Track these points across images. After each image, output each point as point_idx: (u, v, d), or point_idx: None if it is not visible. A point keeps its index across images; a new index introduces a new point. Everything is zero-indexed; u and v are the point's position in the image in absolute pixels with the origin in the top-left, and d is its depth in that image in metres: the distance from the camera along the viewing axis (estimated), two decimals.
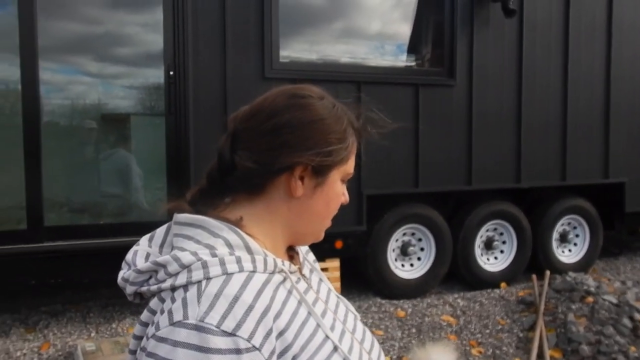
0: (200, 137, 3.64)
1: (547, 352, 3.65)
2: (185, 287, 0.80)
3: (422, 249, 4.54)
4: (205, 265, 0.81)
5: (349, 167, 0.94)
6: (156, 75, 3.71)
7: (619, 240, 5.98)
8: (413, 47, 4.65)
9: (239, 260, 0.83)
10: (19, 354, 3.22)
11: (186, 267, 0.81)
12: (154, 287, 0.83)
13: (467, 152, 4.49)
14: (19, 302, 3.95)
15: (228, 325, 0.75)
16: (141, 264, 0.87)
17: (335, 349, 0.88)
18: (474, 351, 3.73)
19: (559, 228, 5.04)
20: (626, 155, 5.07)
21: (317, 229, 0.96)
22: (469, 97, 4.46)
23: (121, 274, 0.90)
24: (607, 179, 5.02)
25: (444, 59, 4.42)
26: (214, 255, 0.82)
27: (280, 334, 0.81)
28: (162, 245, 0.92)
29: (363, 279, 4.47)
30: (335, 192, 0.93)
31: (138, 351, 0.83)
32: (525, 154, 4.66)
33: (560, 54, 4.76)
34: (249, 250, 0.86)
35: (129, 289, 0.87)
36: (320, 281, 1.03)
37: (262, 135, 0.89)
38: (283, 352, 0.81)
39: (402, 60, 4.64)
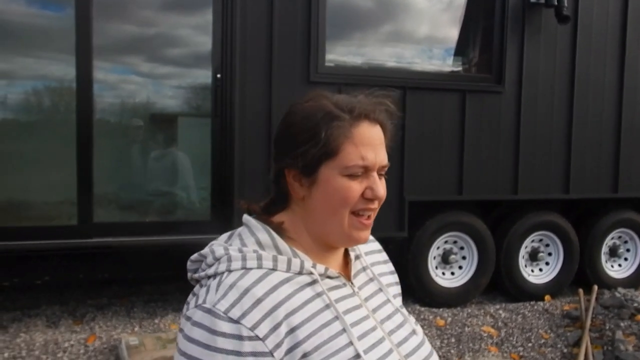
0: (245, 140, 3.69)
1: None
2: (214, 276, 0.92)
3: (464, 258, 4.47)
4: (229, 259, 0.92)
5: (344, 159, 0.93)
6: (204, 76, 3.77)
7: None
8: (461, 52, 4.58)
9: (259, 258, 0.92)
10: (66, 344, 3.33)
11: (217, 260, 0.93)
12: (196, 275, 0.97)
13: (514, 160, 4.38)
14: (67, 295, 4.10)
15: (234, 313, 0.84)
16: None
17: (358, 356, 0.90)
18: None
19: (608, 241, 4.87)
20: None
21: (333, 227, 0.96)
22: (517, 105, 4.36)
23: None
24: None
25: (492, 65, 4.33)
26: (240, 251, 0.93)
27: (292, 330, 0.87)
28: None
29: (403, 285, 4.41)
30: (335, 187, 0.93)
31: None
32: (575, 164, 4.52)
33: (616, 62, 4.59)
34: (277, 250, 0.94)
35: (188, 275, 1.00)
36: (379, 291, 1.06)
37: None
38: (292, 348, 0.86)
39: (450, 65, 4.57)
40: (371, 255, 1.13)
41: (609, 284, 4.70)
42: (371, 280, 1.06)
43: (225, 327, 0.83)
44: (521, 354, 3.77)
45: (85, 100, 3.46)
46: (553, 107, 4.46)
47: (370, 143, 0.94)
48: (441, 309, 4.25)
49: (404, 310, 1.08)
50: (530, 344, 3.87)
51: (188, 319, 0.88)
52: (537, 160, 4.44)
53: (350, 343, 0.90)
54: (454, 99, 4.21)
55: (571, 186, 4.53)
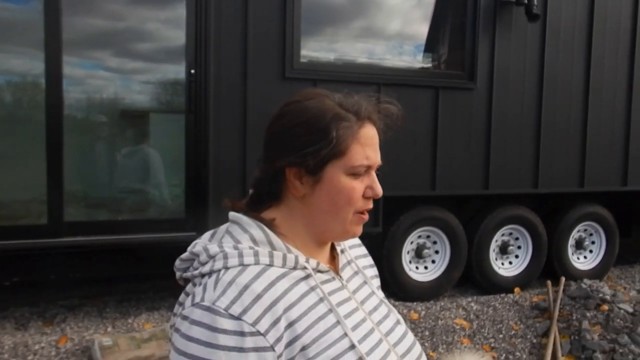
0: (220, 136, 3.65)
1: (561, 359, 3.63)
2: (209, 274, 0.91)
3: (437, 252, 4.54)
4: (226, 257, 0.92)
5: (350, 159, 0.96)
6: (178, 72, 3.72)
7: (635, 248, 5.93)
8: (434, 50, 4.63)
9: (256, 254, 0.92)
10: (37, 347, 3.25)
11: (212, 258, 0.93)
12: (189, 273, 0.96)
13: (485, 156, 4.46)
14: (37, 296, 4.00)
15: (235, 310, 0.84)
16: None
17: (352, 347, 0.93)
18: (487, 356, 3.72)
19: (575, 234, 5.01)
20: None
21: (335, 224, 0.99)
22: (489, 101, 4.44)
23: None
24: (625, 186, 4.97)
25: (464, 62, 4.39)
26: (235, 248, 0.93)
27: (291, 324, 0.88)
28: (221, 239, 1.01)
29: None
30: (340, 186, 0.96)
31: (170, 328, 0.96)
32: (543, 160, 4.63)
33: (583, 60, 4.72)
34: (272, 246, 0.95)
35: (177, 274, 1.00)
36: (364, 283, 1.09)
37: (263, 146, 1.01)
38: (292, 342, 0.88)
39: (423, 62, 4.62)
40: (353, 249, 1.17)
41: (576, 275, 4.85)
42: (356, 273, 1.09)
43: (226, 324, 0.84)
44: (492, 345, 3.86)
45: (55, 96, 3.37)
46: (523, 104, 4.56)
47: (372, 143, 0.99)
48: (415, 303, 4.31)
49: (386, 301, 1.12)
50: (501, 335, 3.97)
51: (185, 318, 0.87)
52: (507, 156, 4.53)
53: (345, 334, 0.93)
54: (427, 95, 4.25)
55: (540, 181, 4.64)
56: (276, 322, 0.87)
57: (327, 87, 1.04)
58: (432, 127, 4.27)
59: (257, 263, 0.92)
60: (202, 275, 0.93)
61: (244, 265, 0.91)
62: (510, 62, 4.48)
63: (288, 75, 3.80)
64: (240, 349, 0.83)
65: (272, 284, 0.90)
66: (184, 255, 0.99)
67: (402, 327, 1.08)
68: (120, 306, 3.91)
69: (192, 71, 3.64)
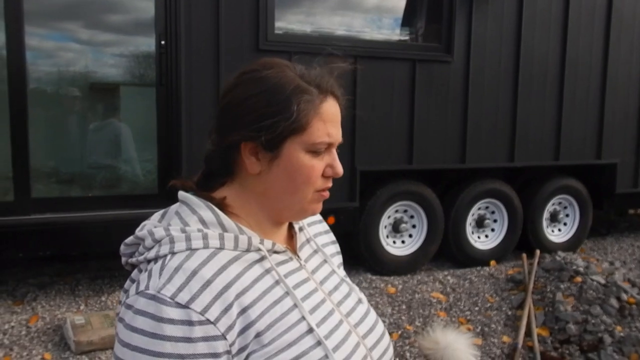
0: (192, 109, 3.56)
1: (535, 330, 3.69)
2: (155, 260, 0.86)
3: (413, 226, 4.54)
4: (172, 241, 0.86)
5: (311, 135, 0.90)
6: (147, 44, 3.60)
7: (607, 221, 6.03)
8: (410, 22, 4.56)
9: (205, 237, 0.86)
10: (7, 326, 3.18)
11: (158, 242, 0.87)
12: (134, 259, 0.90)
13: (461, 130, 4.45)
14: (6, 274, 3.90)
15: (182, 298, 0.79)
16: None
17: (310, 330, 0.88)
18: (462, 328, 3.76)
19: (549, 207, 5.07)
20: (619, 137, 5.08)
21: (293, 203, 0.93)
22: (465, 74, 4.41)
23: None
24: (599, 160, 5.03)
25: (441, 35, 4.34)
26: (183, 231, 0.87)
27: (243, 310, 0.83)
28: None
29: (354, 255, 4.47)
30: (299, 164, 0.90)
31: (116, 316, 0.89)
32: (519, 133, 4.64)
33: (559, 32, 4.71)
34: (222, 227, 0.89)
35: (122, 260, 0.94)
36: (324, 262, 1.04)
37: (215, 117, 0.95)
38: (245, 329, 0.83)
39: (400, 35, 4.55)
40: (313, 227, 1.12)
41: (550, 248, 4.91)
42: (315, 252, 1.05)
43: (172, 313, 0.78)
44: (468, 317, 3.90)
45: (17, 69, 3.23)
46: (499, 77, 4.54)
47: (334, 120, 0.93)
48: (392, 277, 4.33)
49: (348, 279, 1.08)
50: (477, 308, 4.01)
51: (129, 307, 0.81)
52: (483, 129, 4.52)
53: (303, 318, 0.89)
54: (404, 68, 4.20)
55: (516, 154, 4.66)
56: (227, 309, 0.81)
57: (303, 60, 0.97)
58: (409, 100, 4.24)
59: (206, 247, 0.86)
60: (148, 261, 0.87)
61: (192, 250, 0.85)
62: (487, 35, 4.44)
63: (262, 47, 3.71)
64: (189, 339, 0.78)
65: (223, 268, 0.84)
66: (129, 240, 0.92)
67: (364, 306, 1.04)
68: (93, 284, 3.85)
69: (163, 42, 3.53)
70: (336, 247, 1.17)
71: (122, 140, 3.74)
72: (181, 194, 0.94)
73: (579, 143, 4.91)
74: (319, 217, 1.15)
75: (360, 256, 4.40)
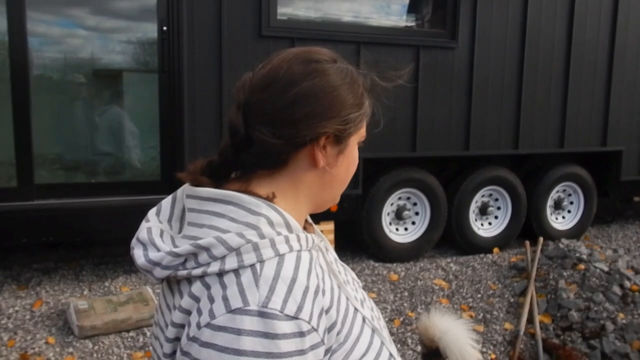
0: (195, 95, 3.55)
1: (537, 318, 3.69)
2: (236, 271, 0.76)
3: (417, 214, 4.54)
4: (256, 248, 0.77)
5: (363, 129, 0.92)
6: (149, 30, 3.58)
7: (612, 208, 6.00)
8: (415, 8, 4.51)
9: (287, 240, 0.80)
10: (11, 310, 3.21)
11: (234, 250, 0.77)
12: (196, 271, 0.77)
13: (466, 117, 4.42)
14: (10, 260, 3.93)
15: (291, 309, 0.73)
16: (167, 244, 0.82)
17: (364, 319, 0.88)
18: (465, 315, 3.76)
19: (554, 195, 5.04)
20: (625, 124, 5.03)
21: (338, 194, 0.94)
22: (470, 61, 4.37)
23: (141, 254, 0.83)
24: (605, 147, 4.99)
25: (446, 21, 4.30)
26: (262, 236, 0.78)
27: (327, 311, 0.80)
28: (170, 220, 0.88)
29: (357, 242, 4.47)
30: (354, 156, 0.92)
31: (183, 339, 0.77)
32: (524, 120, 4.61)
33: (566, 19, 4.65)
34: (289, 228, 0.82)
35: (160, 273, 0.80)
36: (326, 250, 1.01)
37: (283, 108, 0.82)
38: (330, 329, 0.80)
39: (404, 20, 4.51)
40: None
41: (554, 235, 4.90)
42: (321, 240, 1.02)
43: (285, 327, 0.72)
44: (470, 304, 3.90)
45: (19, 55, 3.23)
46: (504, 64, 4.50)
47: None
48: (395, 264, 4.33)
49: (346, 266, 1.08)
50: (479, 295, 4.01)
51: (221, 329, 0.72)
52: (487, 116, 4.49)
53: (356, 309, 0.88)
54: (408, 54, 4.17)
55: (520, 142, 4.63)
56: (321, 313, 0.78)
57: (305, 46, 0.95)
58: (413, 87, 4.21)
59: (291, 250, 0.80)
60: (221, 274, 0.77)
61: (280, 255, 0.78)
62: (492, 21, 4.39)
63: (265, 33, 3.69)
64: (301, 352, 0.73)
65: (309, 270, 0.80)
66: (183, 250, 0.78)
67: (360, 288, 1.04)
68: (96, 269, 3.87)
69: (165, 28, 3.51)
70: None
71: (124, 126, 3.74)
72: (222, 192, 0.82)
73: (584, 130, 4.87)
74: None
75: (363, 243, 4.40)
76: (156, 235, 0.84)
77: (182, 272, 0.78)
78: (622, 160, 5.06)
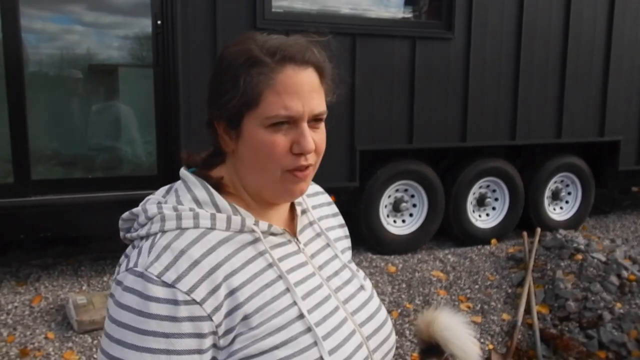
0: (190, 89, 3.54)
1: (535, 308, 3.70)
2: (146, 237, 0.86)
3: (414, 205, 4.54)
4: (163, 219, 0.85)
5: (265, 109, 0.84)
6: (144, 25, 3.57)
7: (610, 198, 6.01)
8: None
9: (196, 217, 0.85)
10: (10, 306, 3.23)
11: (150, 219, 0.86)
12: (129, 235, 0.90)
13: (462, 108, 4.41)
14: (9, 256, 3.94)
15: (169, 277, 0.79)
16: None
17: (301, 316, 0.87)
18: (462, 306, 3.78)
19: (551, 186, 5.04)
20: (622, 114, 5.02)
21: (265, 183, 0.89)
22: (466, 51, 4.35)
23: None
24: (602, 137, 4.98)
25: (442, 12, 4.28)
26: (175, 209, 0.86)
27: (232, 292, 0.82)
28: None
29: (355, 234, 4.47)
30: (258, 140, 0.86)
31: None
32: (521, 111, 4.60)
33: (562, 8, 4.63)
34: (216, 207, 0.88)
35: (120, 234, 0.94)
36: (326, 246, 1.02)
37: None
38: (232, 310, 0.82)
39: (400, 12, 4.49)
40: (319, 209, 1.08)
41: (551, 226, 4.90)
42: (318, 235, 1.02)
43: (159, 291, 0.78)
44: (468, 295, 3.91)
45: (14, 51, 3.23)
46: (501, 54, 4.49)
47: (296, 91, 0.85)
48: (392, 256, 4.34)
49: (352, 265, 1.04)
50: (477, 286, 4.02)
51: (119, 283, 0.82)
52: (484, 107, 4.49)
53: (294, 303, 0.87)
54: (403, 45, 4.16)
55: (517, 132, 4.62)
56: (215, 290, 0.81)
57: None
58: (409, 78, 4.20)
59: (196, 226, 0.85)
60: (140, 238, 0.87)
61: (182, 229, 0.84)
62: (488, 11, 4.37)
63: (260, 25, 3.67)
64: (174, 318, 0.78)
65: (212, 249, 0.83)
66: (125, 215, 0.92)
67: (367, 293, 1.00)
68: (95, 264, 3.88)
69: (159, 22, 3.50)
70: (344, 231, 1.14)
71: (120, 121, 3.74)
72: (182, 171, 0.93)
73: (582, 120, 4.87)
74: (327, 199, 1.13)
75: (361, 235, 4.41)
76: (147, 204, 0.92)
77: (128, 235, 0.91)
78: (620, 151, 5.05)
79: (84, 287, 3.54)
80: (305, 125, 0.87)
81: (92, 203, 3.40)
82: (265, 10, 3.69)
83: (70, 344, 2.97)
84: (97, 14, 3.55)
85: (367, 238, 4.38)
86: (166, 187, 0.96)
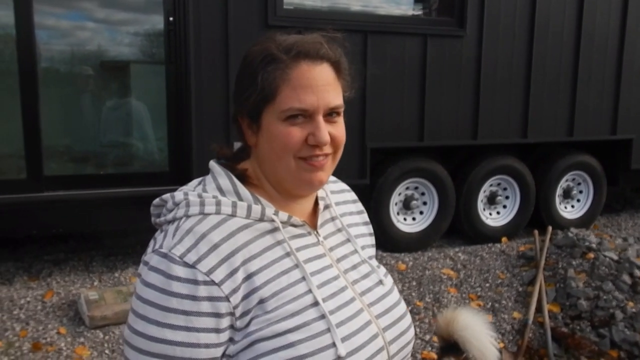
0: (202, 86, 3.55)
1: (546, 307, 3.68)
2: (172, 221, 0.91)
3: (424, 203, 4.53)
4: (187, 205, 0.91)
5: (280, 103, 0.89)
6: (156, 21, 3.57)
7: (622, 197, 5.96)
8: None
9: (218, 204, 0.90)
10: (22, 301, 3.25)
11: (177, 205, 0.92)
12: (159, 220, 0.96)
13: (474, 105, 4.39)
14: (22, 251, 3.97)
15: (190, 258, 0.84)
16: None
17: (316, 303, 0.90)
18: (473, 304, 3.77)
19: (563, 184, 5.01)
20: (635, 112, 4.98)
21: (282, 173, 0.93)
22: (478, 49, 4.33)
23: None
24: (614, 135, 4.94)
25: (454, 8, 4.26)
26: (199, 196, 0.92)
27: (249, 276, 0.86)
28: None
29: None
30: (275, 132, 0.91)
31: None
32: (532, 109, 4.57)
33: (575, 5, 4.59)
34: (238, 196, 0.93)
35: (152, 219, 0.99)
36: (347, 241, 1.04)
37: None
38: (249, 294, 0.86)
39: (411, 9, 4.47)
40: (343, 206, 1.11)
41: (563, 224, 4.87)
42: (339, 230, 1.05)
43: (180, 271, 0.83)
44: (479, 294, 3.90)
45: (27, 48, 3.24)
46: (513, 52, 4.46)
47: (310, 85, 0.89)
48: (402, 254, 4.33)
49: (373, 261, 1.07)
50: (487, 284, 4.01)
51: (145, 263, 0.88)
52: (496, 105, 4.46)
53: (309, 291, 0.90)
54: (415, 43, 4.14)
55: (529, 130, 4.60)
56: (233, 273, 0.85)
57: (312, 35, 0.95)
58: (420, 76, 4.18)
59: (218, 213, 0.90)
60: (168, 223, 0.93)
61: (204, 214, 0.89)
62: (500, 8, 4.35)
63: (271, 22, 3.67)
64: (194, 297, 0.83)
65: (231, 234, 0.88)
66: (156, 201, 0.99)
67: (385, 287, 1.03)
68: (106, 260, 3.90)
69: (171, 19, 3.50)
70: (368, 229, 1.16)
71: (132, 118, 3.75)
72: (211, 163, 0.99)
73: (594, 118, 4.83)
74: (354, 196, 1.17)
75: None
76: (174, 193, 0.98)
77: (157, 220, 0.97)
78: (632, 149, 5.01)
79: (95, 283, 3.56)
80: (320, 118, 0.91)
81: (104, 199, 3.42)
82: (277, 7, 3.69)
83: (82, 339, 2.99)
84: (110, 11, 3.56)
85: (377, 235, 4.33)
86: (199, 179, 1.01)
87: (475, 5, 4.25)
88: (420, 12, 4.51)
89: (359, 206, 1.17)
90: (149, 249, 0.90)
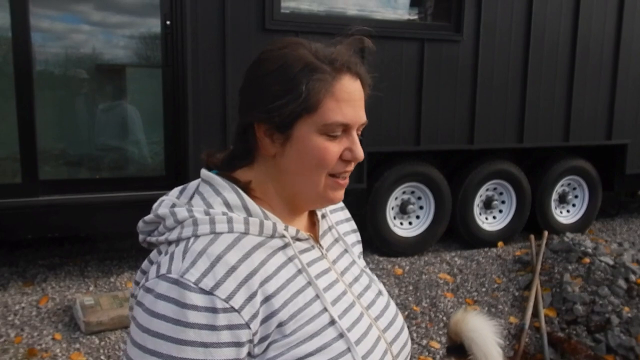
0: (199, 90, 3.54)
1: (542, 311, 3.69)
2: (176, 242, 0.82)
3: (421, 208, 4.53)
4: (195, 223, 0.82)
5: (323, 116, 0.84)
6: (153, 25, 3.56)
7: (616, 202, 5.99)
8: (419, 1, 4.49)
9: (230, 221, 0.83)
10: (17, 307, 3.22)
11: (180, 223, 0.83)
12: (154, 239, 0.87)
13: (470, 110, 4.40)
14: (16, 256, 3.94)
15: (207, 284, 0.76)
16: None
17: (332, 322, 0.86)
18: (469, 309, 3.76)
19: (558, 189, 5.03)
20: (630, 117, 5.01)
21: (307, 189, 0.89)
22: (475, 54, 4.34)
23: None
24: (610, 140, 4.97)
25: (451, 13, 4.27)
26: (207, 213, 0.83)
27: (267, 299, 0.80)
28: (191, 198, 0.93)
29: (362, 236, 4.46)
30: (311, 146, 0.85)
31: (130, 297, 0.88)
32: (528, 114, 4.59)
33: (571, 11, 4.61)
34: (247, 211, 0.86)
35: (140, 237, 0.91)
36: (345, 252, 1.01)
37: (238, 96, 0.92)
38: (268, 318, 0.80)
39: (408, 14, 4.48)
40: (335, 214, 1.08)
41: (558, 229, 4.89)
42: (337, 240, 1.02)
43: (196, 299, 0.75)
44: (475, 298, 3.90)
45: (23, 50, 3.22)
46: (509, 57, 4.47)
47: (351, 99, 0.87)
48: (399, 258, 4.33)
49: (367, 270, 1.05)
50: (484, 289, 4.01)
51: (149, 290, 0.78)
52: (492, 110, 4.47)
53: (325, 309, 0.86)
54: (412, 48, 4.15)
55: (525, 135, 4.61)
56: (252, 296, 0.79)
57: (309, 39, 0.94)
58: (417, 80, 4.19)
59: (230, 231, 0.82)
60: (169, 243, 0.84)
61: (216, 234, 0.81)
62: (497, 14, 4.36)
63: (268, 26, 3.67)
64: (212, 327, 0.75)
65: (247, 254, 0.81)
66: (148, 218, 0.89)
67: (384, 298, 1.01)
68: (102, 265, 3.88)
69: (168, 22, 3.49)
70: (357, 236, 1.14)
71: (128, 121, 3.73)
72: (204, 172, 0.91)
73: (589, 123, 4.85)
74: (340, 204, 1.12)
75: (368, 238, 4.40)
76: (162, 207, 0.89)
77: (150, 238, 0.88)
78: (628, 154, 5.04)
79: (90, 288, 3.53)
80: (355, 133, 0.89)
81: (100, 203, 3.40)
82: (274, 11, 3.69)
83: (77, 345, 2.96)
84: (107, 13, 3.55)
85: (373, 240, 4.37)
86: (179, 188, 0.94)
87: (472, 10, 4.26)
88: (417, 17, 4.52)
89: (347, 213, 1.14)
90: (151, 274, 0.80)
